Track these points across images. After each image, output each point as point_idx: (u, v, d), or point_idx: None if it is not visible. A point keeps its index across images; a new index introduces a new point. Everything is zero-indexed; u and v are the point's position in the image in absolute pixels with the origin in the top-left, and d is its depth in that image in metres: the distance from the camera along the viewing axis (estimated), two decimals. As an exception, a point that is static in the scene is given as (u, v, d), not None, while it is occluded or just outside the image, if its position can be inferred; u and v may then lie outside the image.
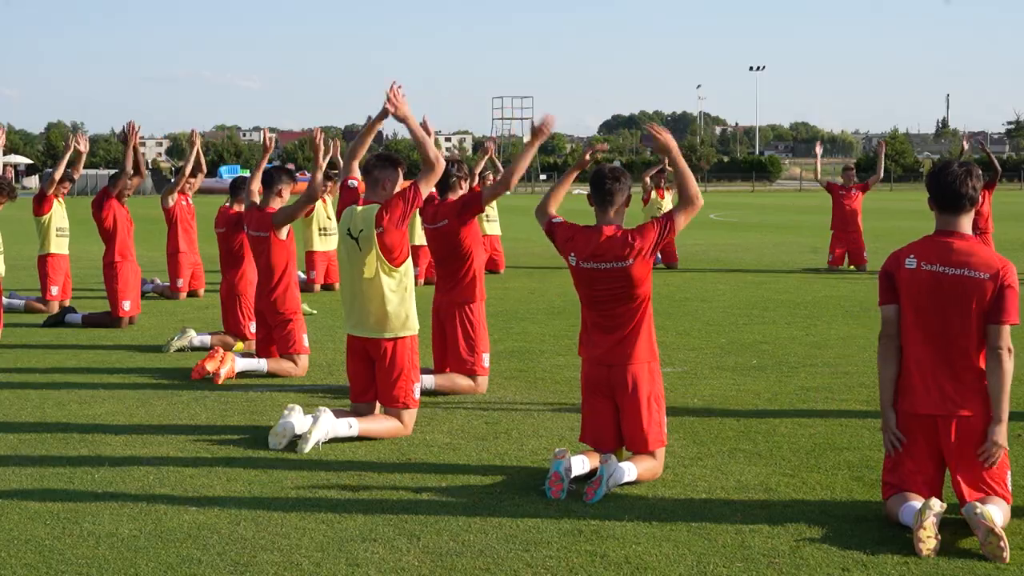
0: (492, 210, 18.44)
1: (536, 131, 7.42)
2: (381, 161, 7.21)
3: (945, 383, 5.19)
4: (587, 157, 6.57)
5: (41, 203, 13.70)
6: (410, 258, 7.21)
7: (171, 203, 14.81)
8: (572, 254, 6.09)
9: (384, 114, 7.30)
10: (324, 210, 16.11)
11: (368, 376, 7.21)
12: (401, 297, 7.11)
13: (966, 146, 19.38)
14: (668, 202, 18.86)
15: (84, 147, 12.66)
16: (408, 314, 7.15)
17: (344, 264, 7.23)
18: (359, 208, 7.13)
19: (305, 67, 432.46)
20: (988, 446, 5.13)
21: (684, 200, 6.10)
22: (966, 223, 5.28)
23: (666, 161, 6.23)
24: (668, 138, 6.17)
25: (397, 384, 7.10)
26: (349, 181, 7.49)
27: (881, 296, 5.42)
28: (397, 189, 7.22)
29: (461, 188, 8.54)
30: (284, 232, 9.15)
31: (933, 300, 5.20)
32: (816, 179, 19.90)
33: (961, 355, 5.18)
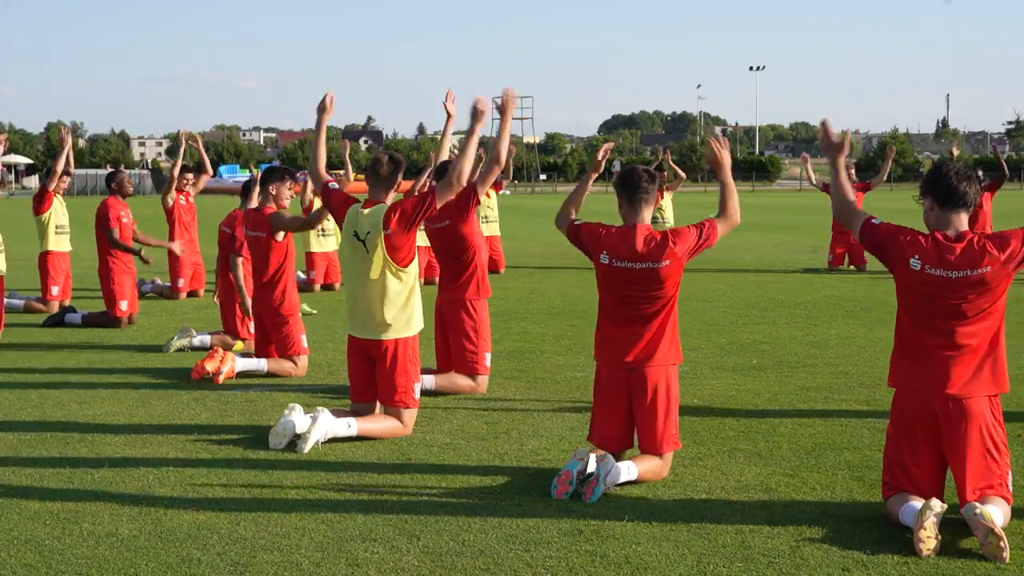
0: (492, 211, 18.45)
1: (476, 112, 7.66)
2: (385, 162, 7.20)
3: (949, 384, 5.18)
4: (599, 158, 6.53)
5: (41, 201, 13.70)
6: (416, 258, 7.20)
7: (170, 203, 14.83)
8: (604, 252, 6.05)
9: (322, 111, 7.35)
10: (322, 212, 16.09)
11: (369, 375, 7.21)
12: (407, 298, 7.10)
13: (955, 151, 19.45)
14: (668, 202, 18.86)
15: (67, 140, 12.93)
16: (412, 314, 7.14)
17: (348, 265, 7.20)
18: (365, 210, 7.09)
19: (305, 67, 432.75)
20: None
21: (726, 215, 6.18)
22: (965, 220, 5.28)
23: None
24: (726, 155, 6.20)
25: (397, 384, 7.09)
26: (329, 184, 7.39)
27: (864, 233, 5.39)
28: (394, 187, 7.24)
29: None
30: (280, 235, 9.15)
31: (937, 302, 5.19)
32: (811, 183, 19.92)
33: (966, 354, 5.17)
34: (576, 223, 6.28)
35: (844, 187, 5.59)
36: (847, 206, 5.58)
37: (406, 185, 7.22)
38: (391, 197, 7.21)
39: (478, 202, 8.34)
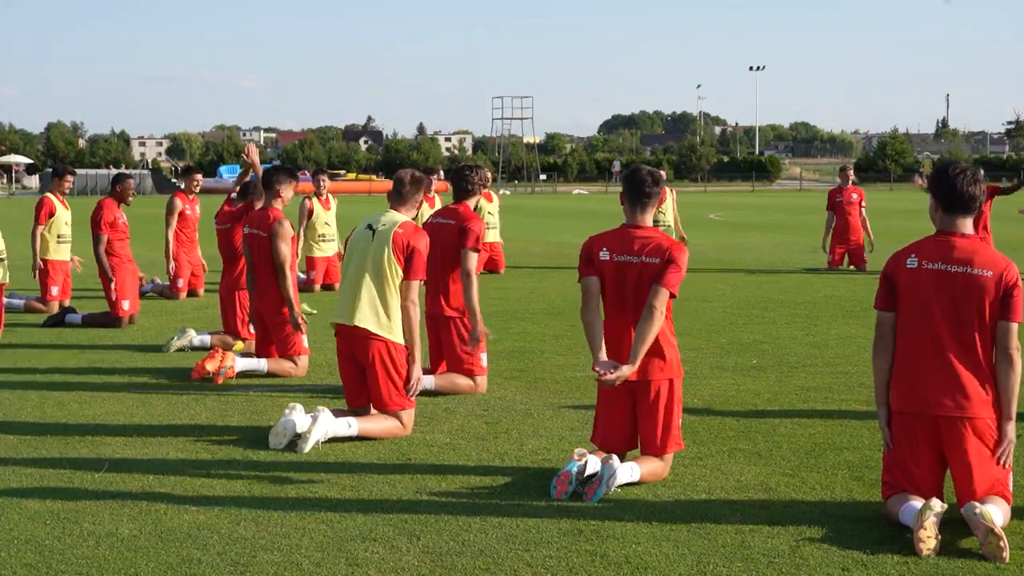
0: (492, 216, 18.44)
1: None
2: (407, 181, 7.39)
3: (947, 383, 5.18)
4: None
5: (39, 211, 13.68)
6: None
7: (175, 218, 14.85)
8: (604, 249, 6.02)
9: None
10: (323, 215, 16.15)
11: (360, 380, 7.22)
12: (396, 303, 7.12)
13: (919, 182, 19.29)
14: (669, 203, 18.82)
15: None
16: (399, 323, 7.14)
17: (352, 254, 7.26)
18: (389, 212, 7.30)
19: (305, 67, 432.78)
20: (1003, 445, 5.15)
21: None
22: (969, 223, 5.29)
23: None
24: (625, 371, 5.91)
25: (389, 387, 7.09)
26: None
27: (878, 299, 5.44)
28: (416, 205, 7.44)
29: (479, 195, 8.65)
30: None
31: (935, 299, 5.20)
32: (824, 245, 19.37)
33: (964, 354, 5.18)
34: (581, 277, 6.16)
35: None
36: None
37: (442, 186, 7.44)
38: (412, 212, 7.40)
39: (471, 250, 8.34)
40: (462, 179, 8.52)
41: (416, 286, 7.12)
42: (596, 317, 6.03)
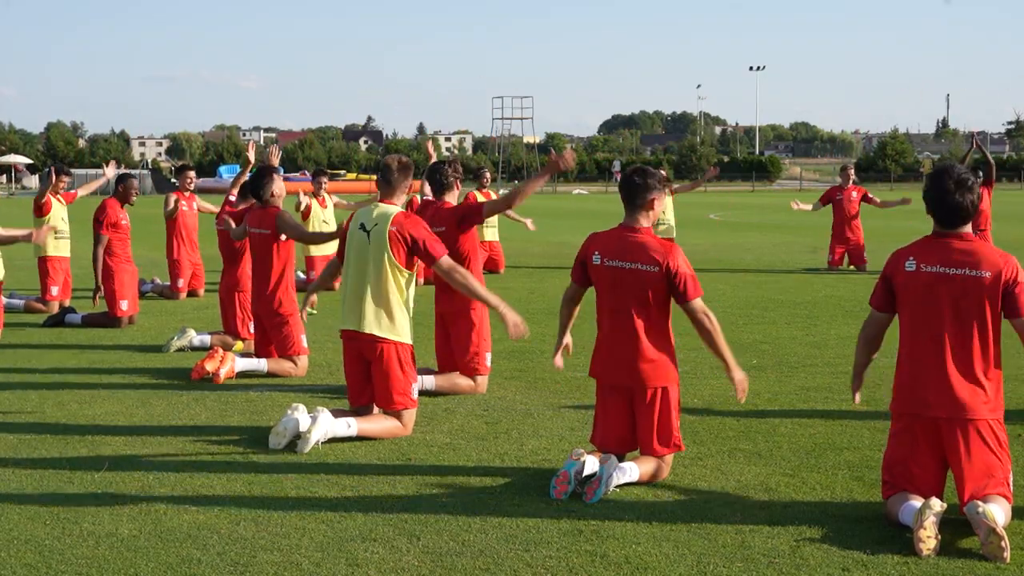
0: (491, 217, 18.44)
1: (552, 164, 7.96)
2: (395, 167, 7.29)
3: (948, 384, 5.18)
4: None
5: (40, 206, 13.70)
6: (414, 271, 7.23)
7: (172, 207, 14.87)
8: (596, 253, 6.04)
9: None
10: (321, 214, 16.15)
11: (365, 378, 7.21)
12: (400, 302, 7.11)
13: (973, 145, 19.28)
14: (669, 203, 18.82)
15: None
16: (404, 322, 7.14)
17: (350, 257, 7.24)
18: (377, 206, 7.22)
19: (305, 67, 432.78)
20: None
21: (705, 322, 6.03)
22: (968, 225, 5.28)
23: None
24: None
25: (393, 386, 7.09)
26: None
27: (874, 297, 5.46)
28: (406, 190, 7.39)
29: (457, 188, 8.62)
30: (284, 235, 9.17)
31: (934, 301, 5.20)
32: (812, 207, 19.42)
33: (964, 355, 5.17)
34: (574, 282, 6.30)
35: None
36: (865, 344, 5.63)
37: (416, 185, 7.36)
38: (402, 199, 7.33)
39: (480, 221, 8.42)
40: (437, 173, 8.57)
41: (445, 260, 7.08)
42: (570, 310, 6.42)
